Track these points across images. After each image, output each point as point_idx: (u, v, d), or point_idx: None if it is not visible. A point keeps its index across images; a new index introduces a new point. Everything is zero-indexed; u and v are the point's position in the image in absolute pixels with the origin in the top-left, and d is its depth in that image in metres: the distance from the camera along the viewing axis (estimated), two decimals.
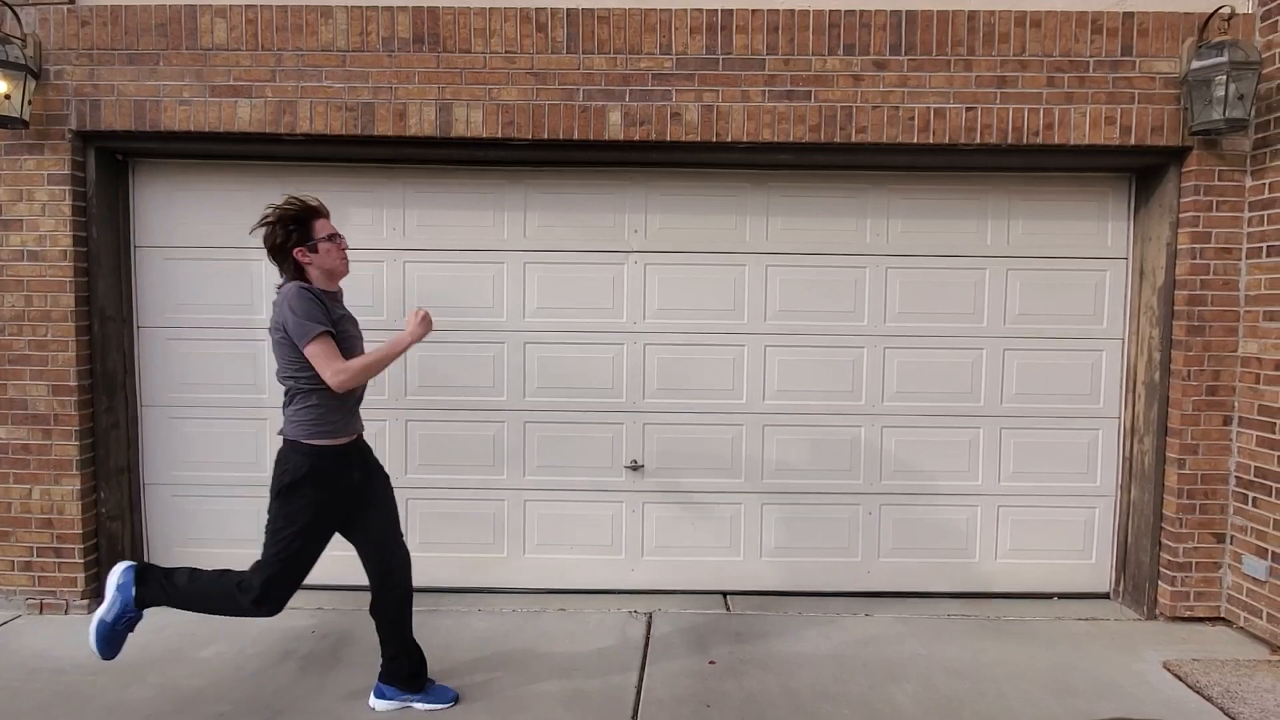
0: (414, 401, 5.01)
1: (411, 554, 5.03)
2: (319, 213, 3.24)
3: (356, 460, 3.43)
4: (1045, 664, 4.14)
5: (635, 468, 5.04)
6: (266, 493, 4.96)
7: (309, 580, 5.01)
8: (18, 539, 4.64)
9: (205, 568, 3.53)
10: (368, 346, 4.95)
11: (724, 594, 5.05)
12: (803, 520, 5.08)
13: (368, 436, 5.00)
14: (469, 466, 5.05)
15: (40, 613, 4.65)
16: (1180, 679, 3.97)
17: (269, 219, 3.22)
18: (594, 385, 5.00)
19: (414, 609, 4.38)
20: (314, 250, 3.19)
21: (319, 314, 3.13)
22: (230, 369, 5.00)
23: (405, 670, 3.62)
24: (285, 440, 3.29)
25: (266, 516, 3.35)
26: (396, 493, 4.98)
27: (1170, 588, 4.66)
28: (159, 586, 3.36)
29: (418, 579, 5.00)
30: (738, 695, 3.80)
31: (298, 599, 4.81)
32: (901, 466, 5.05)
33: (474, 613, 4.72)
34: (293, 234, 3.17)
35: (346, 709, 3.64)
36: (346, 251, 3.32)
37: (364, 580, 4.97)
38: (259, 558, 3.32)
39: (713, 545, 5.09)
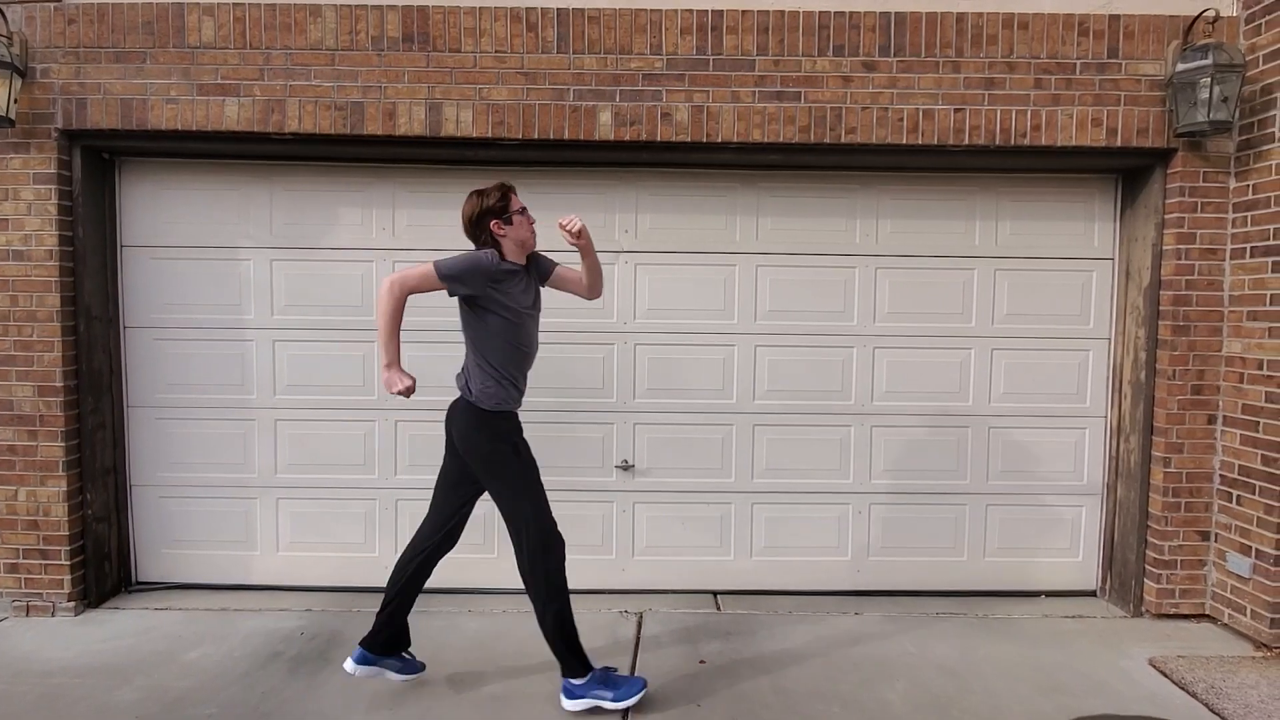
0: (403, 402, 4.97)
1: (400, 555, 5.05)
2: (513, 190, 3.40)
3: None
4: (1033, 661, 4.17)
5: (626, 467, 5.04)
6: (253, 494, 5.00)
7: (297, 581, 5.02)
8: (3, 541, 4.59)
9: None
10: (355, 347, 4.95)
11: (714, 593, 5.06)
12: (793, 520, 5.09)
13: (358, 436, 5.01)
14: None
15: (27, 615, 4.60)
16: (1166, 676, 4.01)
17: (475, 191, 3.39)
18: (584, 385, 5.00)
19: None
20: (509, 223, 3.34)
21: (468, 269, 3.24)
22: (218, 369, 4.97)
23: (386, 639, 3.65)
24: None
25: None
26: (386, 493, 5.02)
27: (1156, 585, 4.70)
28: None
29: None
30: (728, 694, 3.80)
31: (287, 600, 4.81)
32: (891, 466, 5.07)
33: (465, 613, 4.71)
34: (487, 210, 3.32)
35: (335, 711, 3.62)
36: (530, 228, 3.45)
37: (351, 583, 4.98)
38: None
39: (703, 545, 5.10)
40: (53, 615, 4.61)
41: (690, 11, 4.48)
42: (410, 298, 3.27)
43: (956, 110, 4.52)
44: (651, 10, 4.48)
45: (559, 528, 3.50)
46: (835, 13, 4.49)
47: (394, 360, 3.29)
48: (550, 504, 3.52)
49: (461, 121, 4.50)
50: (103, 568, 4.83)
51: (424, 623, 4.52)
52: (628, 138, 4.52)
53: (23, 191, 4.48)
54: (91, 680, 3.85)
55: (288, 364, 4.98)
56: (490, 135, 4.51)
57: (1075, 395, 5.05)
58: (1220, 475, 4.61)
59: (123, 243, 4.90)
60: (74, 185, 4.59)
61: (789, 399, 5.03)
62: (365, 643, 3.62)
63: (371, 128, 4.49)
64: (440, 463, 3.69)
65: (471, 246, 3.45)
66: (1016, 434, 5.06)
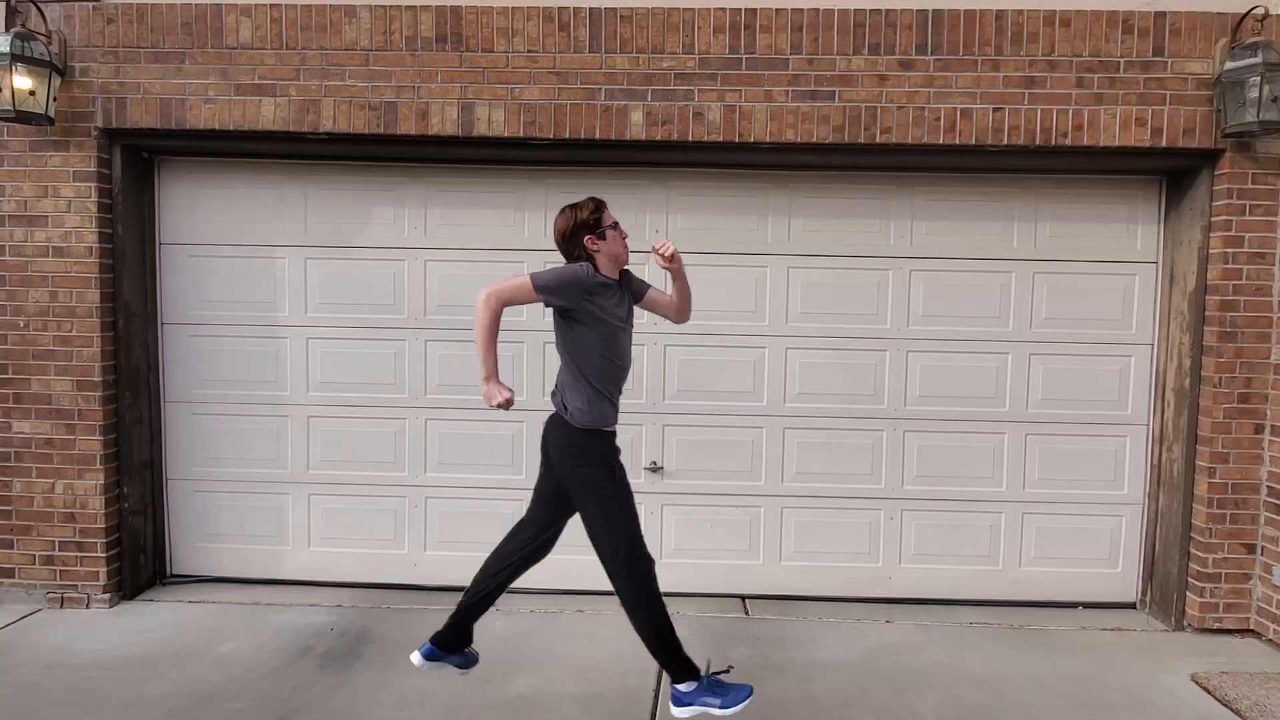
0: (433, 400, 5.01)
1: (429, 553, 5.09)
2: (605, 205, 3.40)
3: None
4: (1070, 675, 4.07)
5: (655, 469, 5.01)
6: (286, 489, 5.04)
7: (328, 577, 5.05)
8: (40, 533, 4.68)
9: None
10: (386, 345, 4.99)
11: (742, 597, 5.01)
12: (823, 524, 5.03)
13: (389, 434, 5.03)
14: (487, 466, 5.04)
15: (61, 607, 4.68)
16: (1209, 692, 3.89)
17: (569, 206, 3.38)
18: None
19: (432, 607, 4.40)
20: (602, 238, 3.33)
21: (564, 282, 3.23)
22: (252, 366, 5.02)
23: (454, 637, 3.63)
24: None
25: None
26: (416, 491, 5.04)
27: (1199, 599, 4.57)
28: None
29: (436, 578, 5.04)
30: (756, 700, 3.73)
31: (317, 595, 4.85)
32: (924, 471, 4.99)
33: (492, 613, 4.67)
34: (581, 224, 3.31)
35: (365, 706, 3.63)
36: (624, 243, 3.43)
37: (381, 579, 5.01)
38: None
39: (732, 548, 5.05)
40: (87, 607, 4.68)
41: (723, 10, 4.44)
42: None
43: (995, 110, 4.43)
44: (684, 9, 4.45)
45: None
46: (871, 10, 4.43)
47: (492, 373, 3.29)
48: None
49: (494, 121, 4.50)
50: (138, 560, 4.90)
51: None
52: (659, 137, 4.50)
53: (63, 189, 4.56)
54: (124, 673, 3.91)
55: (321, 361, 5.02)
56: (522, 135, 4.51)
57: (1116, 402, 4.93)
58: (1268, 487, 4.48)
59: (161, 240, 4.97)
60: (114, 183, 4.66)
61: (820, 402, 4.97)
62: (436, 639, 3.61)
63: (405, 127, 4.51)
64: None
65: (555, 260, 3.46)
66: (1055, 441, 4.95)
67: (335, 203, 4.97)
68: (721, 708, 3.38)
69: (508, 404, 3.27)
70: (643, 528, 4.95)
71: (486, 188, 4.95)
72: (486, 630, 4.44)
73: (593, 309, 3.26)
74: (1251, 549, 4.53)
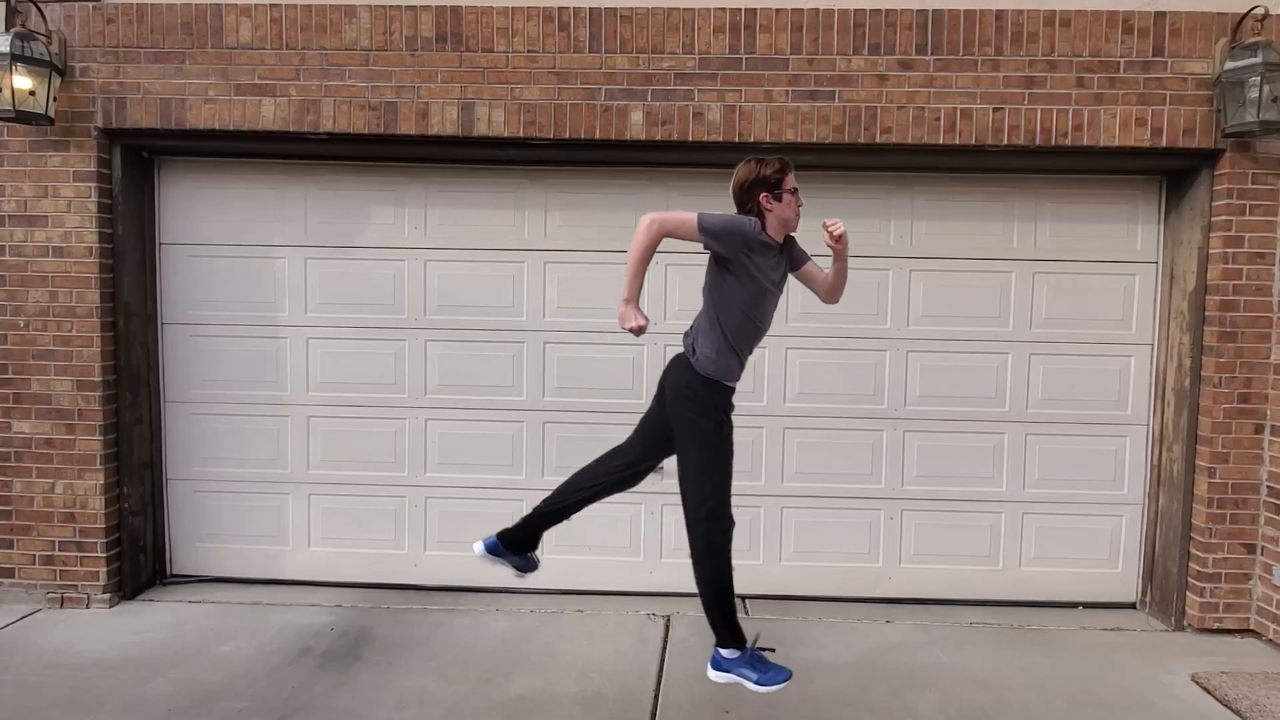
0: (434, 400, 5.01)
1: (429, 553, 5.09)
2: (790, 168, 3.31)
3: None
4: (1070, 675, 4.07)
5: (655, 469, 5.00)
6: (286, 489, 5.04)
7: (328, 577, 5.05)
8: (39, 533, 4.67)
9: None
10: (386, 345, 4.99)
11: (743, 598, 5.00)
12: (823, 525, 5.03)
13: (389, 434, 5.03)
14: (487, 466, 5.04)
15: (61, 607, 4.68)
16: (1209, 692, 3.89)
17: (755, 158, 3.32)
18: (614, 386, 4.97)
19: (432, 607, 4.39)
20: (778, 199, 3.25)
21: (729, 230, 3.16)
22: (252, 366, 5.02)
23: (521, 537, 3.64)
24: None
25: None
26: (416, 491, 5.04)
27: (1199, 599, 4.57)
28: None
29: (436, 578, 5.04)
30: (756, 700, 3.74)
31: (317, 595, 4.85)
32: (924, 471, 4.99)
33: (492, 612, 4.71)
34: (761, 180, 3.24)
35: (365, 706, 3.63)
36: (797, 209, 3.35)
37: (381, 579, 5.01)
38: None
39: (732, 548, 5.04)
40: (87, 607, 4.68)
41: (723, 10, 4.44)
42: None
43: (995, 110, 4.43)
44: (684, 9, 4.45)
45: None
46: (871, 10, 4.43)
47: (634, 297, 3.21)
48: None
49: (494, 121, 4.50)
50: (138, 560, 4.90)
51: (451, 621, 4.55)
52: (659, 137, 4.50)
53: (63, 189, 4.56)
54: (124, 673, 3.91)
55: (321, 361, 5.02)
56: (522, 135, 4.51)
57: (1116, 402, 4.93)
58: (1268, 487, 4.47)
59: (161, 240, 4.97)
60: (114, 183, 4.66)
61: (820, 402, 4.97)
62: (502, 535, 3.60)
63: (405, 127, 4.51)
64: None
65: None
66: (1055, 441, 4.95)
67: (335, 203, 4.97)
68: (757, 683, 3.35)
69: (640, 330, 3.19)
70: (641, 528, 5.01)
71: (486, 188, 4.95)
72: (488, 630, 4.45)
73: (748, 264, 3.20)
74: (1251, 549, 4.53)
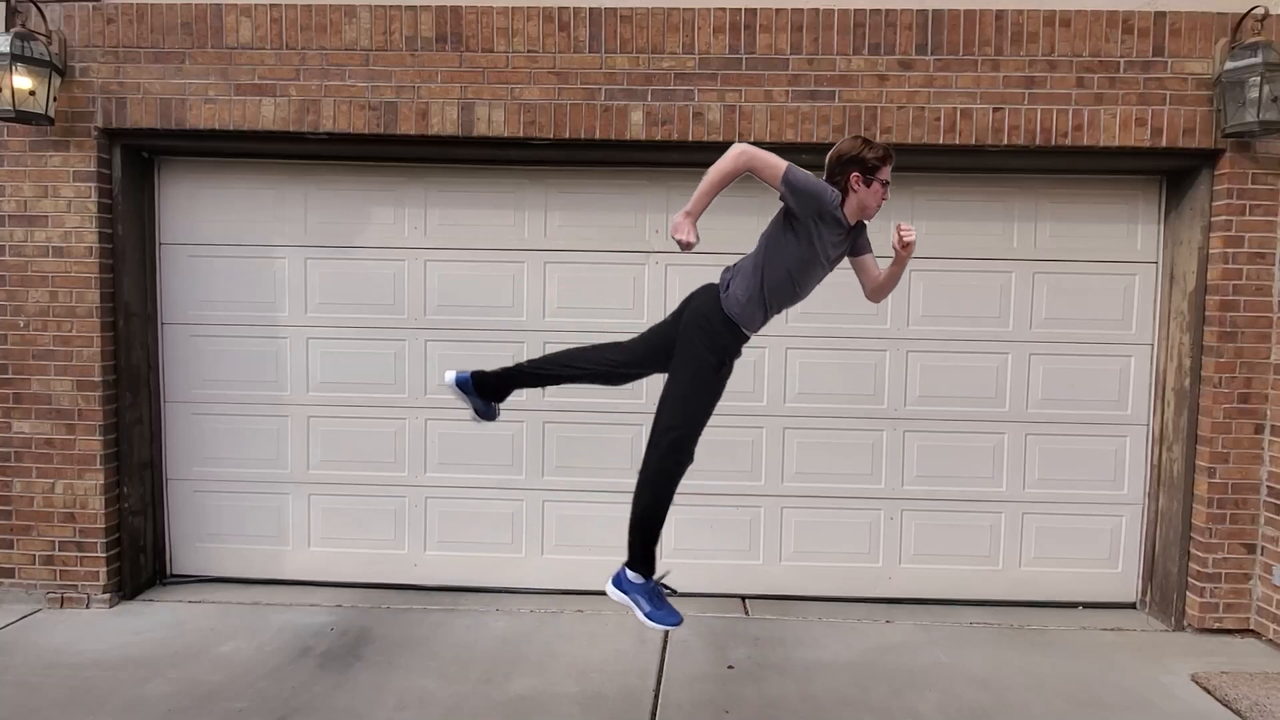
0: (433, 400, 5.00)
1: (429, 553, 5.09)
2: (891, 160, 3.26)
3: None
4: (1070, 675, 4.07)
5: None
6: (286, 489, 5.04)
7: (328, 577, 5.05)
8: (40, 533, 4.67)
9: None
10: (386, 345, 4.98)
11: (743, 598, 5.01)
12: (823, 525, 5.03)
13: (389, 434, 5.03)
14: (487, 466, 5.04)
15: (61, 607, 4.68)
16: (1209, 692, 3.89)
17: (862, 138, 3.27)
18: (614, 386, 4.96)
19: (432, 607, 4.37)
20: (868, 184, 3.21)
21: (810, 191, 3.11)
22: (252, 366, 5.02)
23: (494, 384, 3.58)
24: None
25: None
26: (416, 491, 5.04)
27: (1199, 599, 4.57)
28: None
29: (436, 578, 5.04)
30: (756, 700, 3.76)
31: (317, 595, 4.85)
32: (924, 471, 4.99)
33: (492, 612, 4.71)
34: (858, 159, 3.18)
35: (365, 706, 3.63)
36: (883, 198, 3.28)
37: (381, 579, 5.00)
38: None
39: (732, 548, 5.05)
40: (87, 607, 4.67)
41: (723, 10, 4.44)
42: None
43: (995, 110, 4.43)
44: (684, 9, 4.44)
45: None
46: (871, 10, 4.43)
47: (695, 214, 3.14)
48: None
49: (494, 121, 4.50)
50: (138, 560, 4.90)
51: (451, 621, 4.55)
52: (659, 137, 4.50)
53: (63, 189, 4.56)
54: (124, 673, 3.91)
55: (321, 361, 5.02)
56: (522, 135, 4.51)
57: (1116, 402, 4.93)
58: (1268, 487, 4.47)
59: (161, 240, 4.97)
60: (114, 183, 4.66)
61: (820, 402, 4.97)
62: (476, 374, 3.55)
63: (405, 127, 4.51)
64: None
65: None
66: (1055, 441, 4.95)
67: (335, 203, 4.97)
68: (648, 616, 3.34)
69: (687, 246, 3.12)
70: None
71: (486, 188, 4.95)
72: (487, 630, 4.45)
73: (813, 231, 3.17)
74: (1251, 549, 4.53)
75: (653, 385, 4.93)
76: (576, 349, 3.52)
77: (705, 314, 3.28)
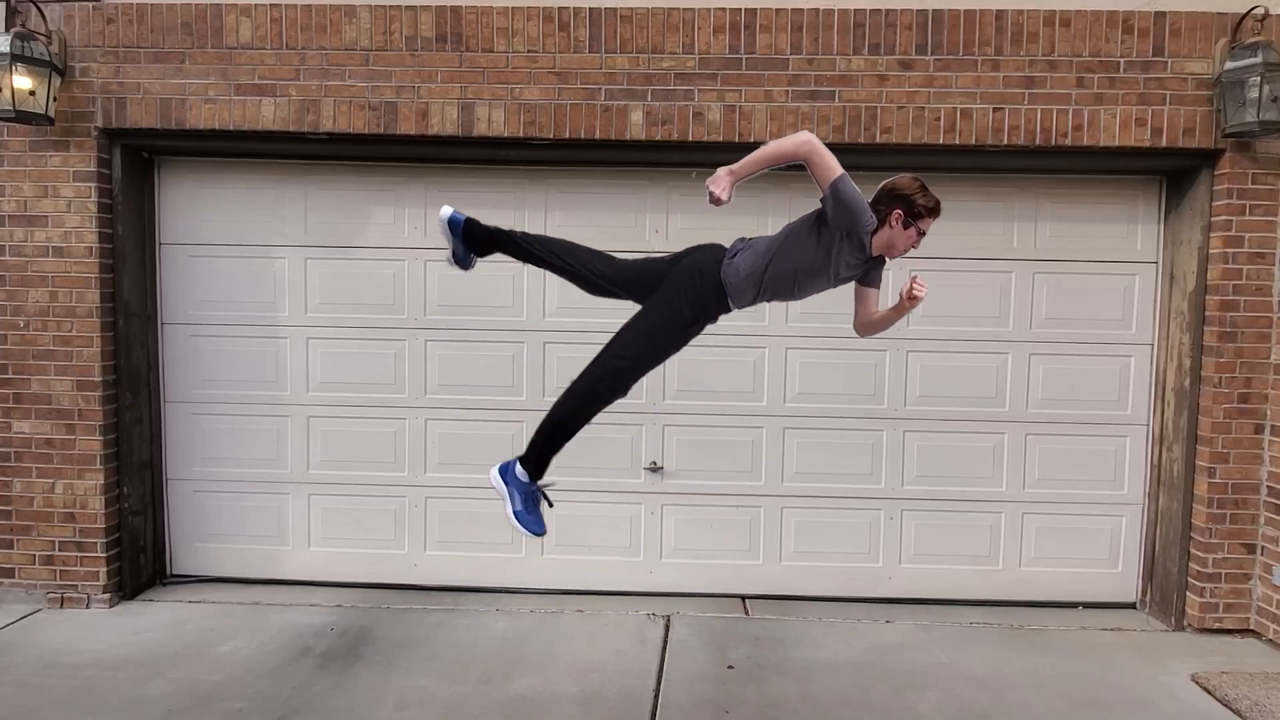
0: (433, 400, 5.01)
1: (429, 553, 5.09)
2: (937, 215, 3.26)
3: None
4: (1070, 675, 4.07)
5: (654, 469, 5.01)
6: (286, 489, 5.04)
7: (328, 577, 5.04)
8: (40, 533, 4.67)
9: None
10: (386, 345, 4.98)
11: (743, 597, 5.01)
12: (823, 524, 5.03)
13: (389, 434, 5.03)
14: (488, 466, 4.99)
15: (61, 607, 4.68)
16: (1209, 692, 3.89)
17: (921, 182, 3.23)
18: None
19: (432, 607, 4.36)
20: (905, 225, 3.18)
21: (851, 207, 3.06)
22: (252, 366, 5.02)
23: (482, 237, 3.56)
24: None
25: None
26: (416, 491, 5.04)
27: (1199, 599, 4.57)
28: None
29: (436, 578, 5.04)
30: (756, 700, 3.76)
31: (317, 595, 4.85)
32: (924, 471, 4.99)
33: (492, 612, 4.71)
34: (908, 198, 3.16)
35: (365, 706, 3.63)
36: (915, 244, 3.27)
37: (381, 579, 5.00)
38: None
39: (732, 548, 5.05)
40: (87, 607, 4.67)
41: (723, 10, 4.44)
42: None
43: (995, 110, 4.43)
44: (684, 9, 4.44)
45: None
46: (871, 10, 4.43)
47: (738, 176, 3.06)
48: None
49: (494, 121, 4.50)
50: (138, 560, 4.90)
51: (451, 621, 4.55)
52: (659, 137, 4.50)
53: (63, 189, 4.56)
54: (123, 673, 3.90)
55: (321, 361, 5.02)
56: (522, 135, 4.51)
57: (1116, 402, 4.93)
58: (1268, 487, 4.47)
59: (161, 240, 4.97)
60: (114, 183, 4.66)
61: (820, 402, 4.97)
62: (470, 223, 3.53)
63: (405, 127, 4.51)
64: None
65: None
66: (1055, 441, 4.95)
67: (335, 203, 4.97)
68: (514, 512, 3.39)
69: (718, 202, 3.07)
70: (640, 528, 5.01)
71: (486, 188, 4.95)
72: (487, 630, 4.45)
73: (834, 245, 3.15)
74: (1251, 549, 4.53)
75: (652, 386, 4.96)
76: (571, 244, 3.47)
77: (702, 270, 3.25)
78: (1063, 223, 4.88)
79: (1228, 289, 4.46)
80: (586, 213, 4.93)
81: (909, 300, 3.17)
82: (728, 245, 3.32)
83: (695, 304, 3.24)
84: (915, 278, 3.15)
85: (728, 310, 3.30)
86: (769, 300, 3.33)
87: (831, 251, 3.16)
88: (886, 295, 3.49)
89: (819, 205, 3.12)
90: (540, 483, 3.42)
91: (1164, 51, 4.41)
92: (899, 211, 3.16)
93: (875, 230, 3.16)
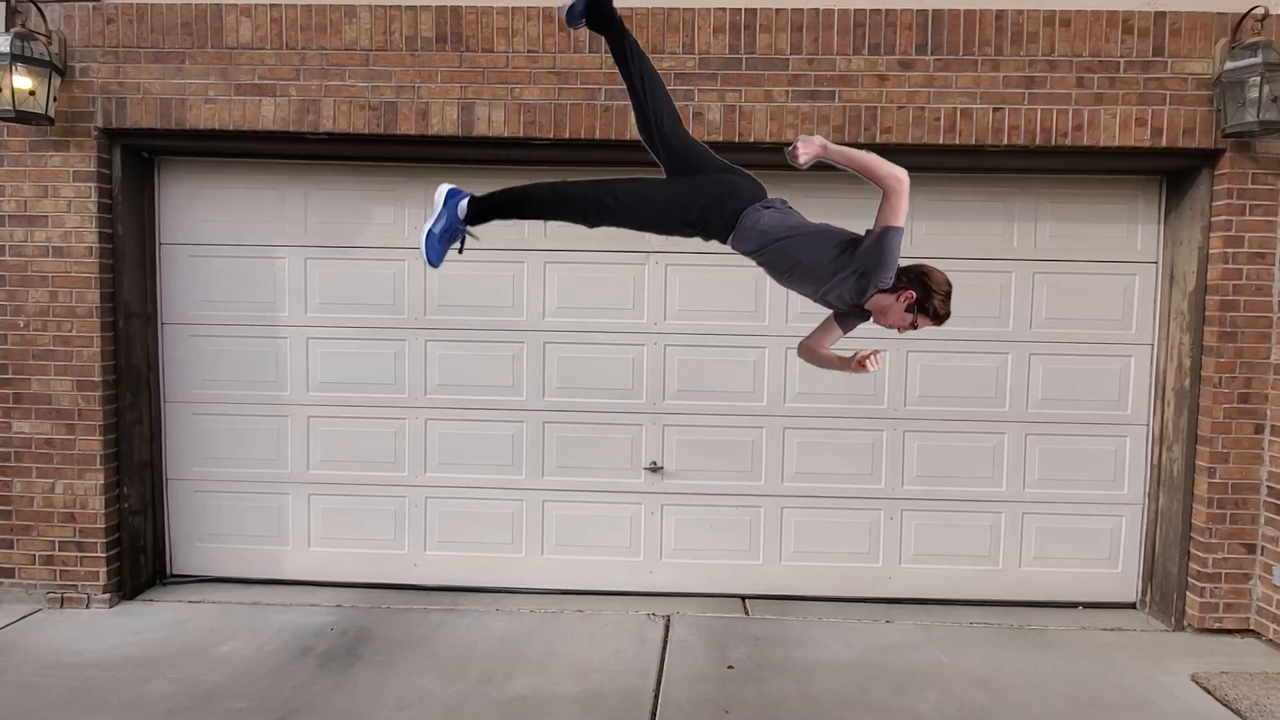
0: (433, 400, 5.01)
1: (429, 553, 5.08)
2: (942, 321, 3.33)
3: None
4: (1070, 675, 4.07)
5: (654, 469, 5.01)
6: (286, 489, 5.04)
7: (328, 577, 5.04)
8: (40, 533, 4.67)
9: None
10: (386, 345, 4.97)
11: (743, 597, 5.01)
12: (823, 524, 5.03)
13: (389, 434, 5.03)
14: (487, 466, 5.04)
15: (61, 607, 4.67)
16: (1209, 692, 3.89)
17: (950, 288, 3.31)
18: (614, 386, 4.97)
19: (432, 607, 4.35)
20: (909, 310, 3.25)
21: (882, 258, 3.09)
22: (252, 366, 5.02)
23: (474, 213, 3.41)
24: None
25: None
26: (416, 491, 5.04)
27: (1199, 599, 4.57)
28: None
29: (436, 578, 5.04)
30: (756, 700, 3.76)
31: (317, 595, 4.85)
32: (924, 471, 4.99)
33: (492, 612, 4.71)
34: (930, 291, 3.23)
35: (365, 706, 3.63)
36: (903, 329, 3.34)
37: (381, 579, 5.00)
38: None
39: (732, 548, 5.05)
40: (87, 607, 4.67)
41: (723, 10, 4.44)
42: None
43: (995, 110, 4.43)
44: (684, 9, 4.44)
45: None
46: (871, 10, 4.42)
47: (828, 153, 3.10)
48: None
49: (494, 121, 4.50)
50: (138, 560, 4.90)
51: (451, 621, 4.55)
52: None
53: (63, 189, 4.56)
54: (123, 673, 3.90)
55: (321, 361, 5.02)
56: (522, 135, 4.51)
57: (1116, 402, 4.93)
58: (1268, 487, 4.47)
59: (161, 240, 4.97)
60: (114, 183, 4.66)
61: (820, 402, 4.97)
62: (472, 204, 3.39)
63: (405, 127, 4.51)
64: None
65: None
66: (1055, 441, 4.95)
67: (335, 203, 4.96)
68: (430, 228, 3.29)
69: (795, 157, 3.10)
70: (640, 527, 5.01)
71: (486, 188, 4.83)
72: (488, 630, 4.45)
73: (844, 270, 3.16)
74: (1251, 549, 4.53)
75: (652, 386, 4.96)
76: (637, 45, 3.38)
77: (734, 193, 3.23)
78: (1063, 223, 4.87)
79: (1228, 289, 4.46)
80: None
81: (857, 366, 3.21)
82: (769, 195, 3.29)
83: (705, 214, 3.22)
84: (876, 353, 3.22)
85: (723, 241, 3.28)
86: (759, 265, 3.32)
87: (838, 274, 3.17)
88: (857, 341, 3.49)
89: (861, 234, 3.15)
90: (469, 227, 3.34)
91: (1164, 51, 4.40)
92: (912, 293, 3.21)
93: (884, 291, 3.19)
